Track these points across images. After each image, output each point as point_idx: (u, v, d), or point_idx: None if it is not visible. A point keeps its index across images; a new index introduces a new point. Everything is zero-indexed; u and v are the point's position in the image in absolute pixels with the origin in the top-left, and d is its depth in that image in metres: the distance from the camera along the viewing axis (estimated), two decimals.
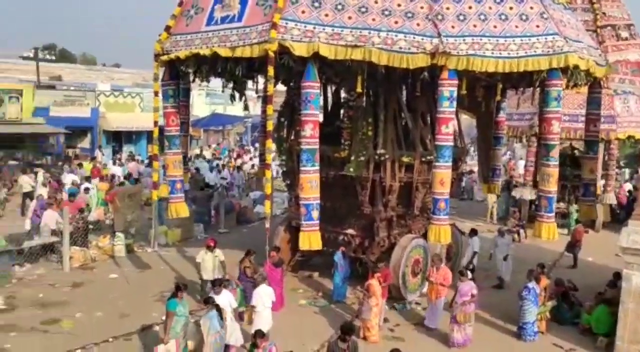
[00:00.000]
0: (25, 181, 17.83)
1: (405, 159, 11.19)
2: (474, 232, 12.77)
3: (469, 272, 9.78)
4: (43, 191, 16.58)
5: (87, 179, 18.44)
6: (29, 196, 16.73)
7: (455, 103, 9.43)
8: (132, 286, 11.63)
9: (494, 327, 10.23)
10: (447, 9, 9.34)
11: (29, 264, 12.31)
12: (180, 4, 10.80)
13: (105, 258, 13.34)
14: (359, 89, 9.86)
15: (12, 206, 18.17)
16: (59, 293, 10.99)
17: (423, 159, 11.23)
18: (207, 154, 29.03)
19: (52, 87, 30.58)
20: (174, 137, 11.34)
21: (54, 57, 55.77)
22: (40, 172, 19.65)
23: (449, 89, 9.22)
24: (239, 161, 25.57)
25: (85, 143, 28.65)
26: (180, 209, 11.36)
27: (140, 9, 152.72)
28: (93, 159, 23.57)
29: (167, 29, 10.74)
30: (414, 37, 9.06)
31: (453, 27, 9.21)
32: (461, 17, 9.29)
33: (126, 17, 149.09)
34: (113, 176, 19.56)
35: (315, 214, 9.38)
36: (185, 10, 10.70)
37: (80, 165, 21.65)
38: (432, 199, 9.83)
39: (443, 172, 9.51)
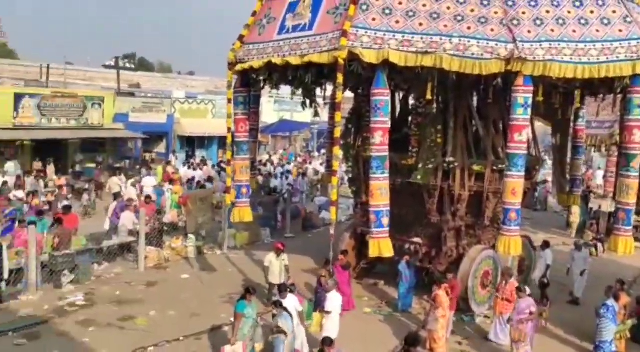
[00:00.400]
0: (115, 183, 18.83)
1: (475, 168, 10.93)
2: (546, 244, 12.23)
3: (527, 288, 9.32)
4: (132, 191, 17.42)
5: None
6: (118, 197, 17.58)
7: (529, 110, 9.12)
8: (202, 286, 12.00)
9: (568, 344, 9.77)
10: (523, 13, 9.07)
11: (107, 262, 12.96)
12: (253, 14, 11.10)
13: (177, 259, 13.84)
14: (428, 96, 9.75)
15: (101, 206, 19.10)
16: (134, 291, 11.50)
17: (494, 168, 10.91)
18: (275, 159, 29.57)
19: (132, 95, 32.19)
20: (243, 143, 11.65)
21: (133, 66, 58.69)
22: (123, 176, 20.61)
23: (523, 95, 8.93)
24: (304, 167, 25.81)
25: (161, 148, 29.94)
26: (245, 213, 11.62)
27: (213, 20, 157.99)
28: (168, 163, 24.53)
29: (241, 38, 11.07)
30: (488, 43, 8.86)
31: (529, 32, 8.93)
32: (538, 22, 9.00)
33: (200, 27, 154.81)
34: (190, 180, 20.19)
35: (385, 221, 9.33)
36: (258, 20, 10.99)
37: (149, 168, 22.60)
38: (502, 209, 9.53)
39: (515, 182, 9.20)
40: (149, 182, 19.09)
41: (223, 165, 23.81)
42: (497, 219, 11.18)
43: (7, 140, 21.99)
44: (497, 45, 8.84)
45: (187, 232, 14.65)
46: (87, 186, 19.81)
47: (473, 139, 11.33)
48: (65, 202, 15.50)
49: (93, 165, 24.58)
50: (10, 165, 20.27)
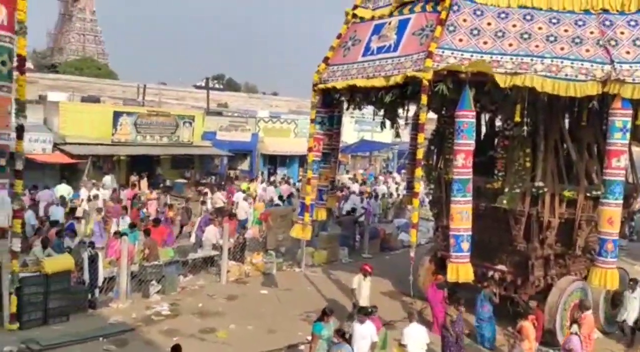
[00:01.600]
0: (219, 198, 19.64)
1: (567, 193, 10.37)
2: (634, 281, 10.80)
3: (575, 326, 8.58)
4: (244, 205, 18.11)
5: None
6: (220, 211, 18.29)
7: (628, 135, 8.59)
8: (280, 303, 12.15)
9: None
10: (622, 33, 8.61)
11: (192, 274, 13.44)
12: (338, 37, 11.29)
13: (257, 274, 14.12)
14: (517, 118, 9.43)
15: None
16: (216, 304, 11.84)
17: (588, 194, 10.29)
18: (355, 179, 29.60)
19: (219, 114, 33.58)
20: (317, 162, 11.78)
21: (221, 86, 61.23)
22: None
23: (622, 119, 8.43)
24: (373, 189, 25.34)
25: (245, 165, 30.89)
26: (303, 230, 11.70)
27: (297, 43, 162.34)
28: (252, 180, 25.20)
29: (326, 60, 11.26)
30: (582, 64, 8.47)
31: (628, 53, 8.45)
32: (638, 43, 8.49)
33: (285, 50, 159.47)
34: (272, 199, 20.60)
35: (465, 245, 9.05)
36: (343, 42, 11.15)
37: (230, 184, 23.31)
38: (598, 239, 8.96)
39: (612, 210, 8.65)
40: (240, 198, 19.66)
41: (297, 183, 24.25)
42: (590, 248, 10.55)
43: (105, 155, 23.57)
44: (592, 66, 8.43)
45: (267, 249, 14.94)
46: (178, 201, 20.76)
47: (564, 163, 10.79)
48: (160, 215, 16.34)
49: (182, 180, 25.77)
50: (108, 179, 21.63)
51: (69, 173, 22.23)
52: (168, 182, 25.54)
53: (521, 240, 10.67)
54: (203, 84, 46.90)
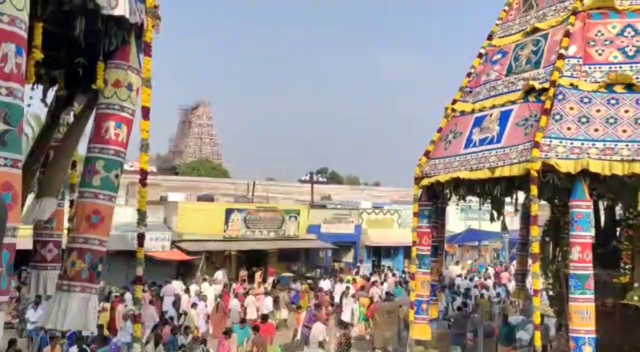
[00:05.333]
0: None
1: None
2: None
3: None
4: (350, 302, 17.85)
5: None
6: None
7: None
8: None
9: None
10: None
11: None
12: (439, 131, 11.38)
13: None
14: (639, 207, 8.73)
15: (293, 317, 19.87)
16: None
17: None
18: (459, 270, 28.18)
19: (323, 207, 34.32)
20: (425, 256, 11.44)
21: (325, 179, 63.12)
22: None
23: None
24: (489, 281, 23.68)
25: (349, 257, 30.82)
26: (424, 331, 11.13)
27: (398, 135, 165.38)
28: (357, 272, 24.99)
29: (427, 153, 11.32)
30: None
31: None
32: None
33: (384, 141, 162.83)
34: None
35: (588, 349, 8.19)
36: (444, 135, 11.21)
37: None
38: None
39: None
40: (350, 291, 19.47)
41: (405, 275, 23.51)
42: None
43: (217, 250, 24.68)
44: None
45: (374, 347, 14.42)
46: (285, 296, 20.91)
47: None
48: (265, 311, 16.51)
49: (289, 273, 26.14)
50: (219, 274, 22.46)
51: (185, 269, 23.41)
52: (276, 276, 25.99)
53: None
54: (307, 178, 48.59)
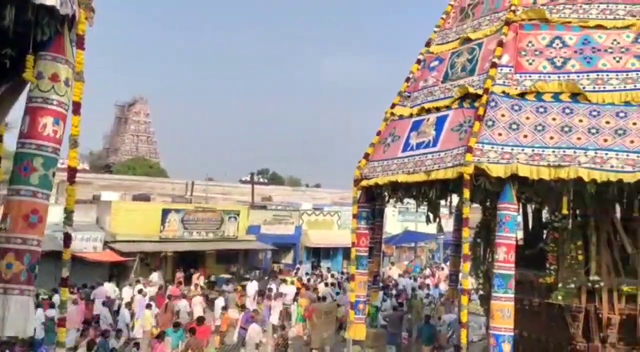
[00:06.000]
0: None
1: (625, 288, 9.80)
2: None
3: None
4: (278, 305, 17.66)
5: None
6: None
7: None
8: None
9: None
10: None
11: None
12: (378, 134, 11.56)
13: None
14: (564, 210, 9.20)
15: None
16: None
17: None
18: (397, 270, 28.86)
19: (264, 207, 34.14)
20: (363, 257, 11.59)
21: (266, 180, 62.83)
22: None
23: None
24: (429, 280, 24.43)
25: (288, 259, 30.83)
26: (359, 331, 11.24)
27: (338, 137, 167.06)
28: (296, 273, 25.02)
29: (366, 156, 11.47)
30: (628, 155, 8.32)
31: None
32: None
33: (325, 143, 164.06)
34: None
35: (506, 347, 8.55)
36: (383, 138, 11.40)
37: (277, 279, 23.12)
38: None
39: None
40: (290, 291, 19.42)
41: (343, 276, 23.77)
42: None
43: (153, 252, 24.03)
44: (638, 156, 8.27)
45: (312, 348, 14.48)
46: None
47: (620, 256, 10.30)
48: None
49: (227, 275, 25.80)
50: (155, 276, 21.90)
51: (118, 271, 22.66)
52: (212, 277, 25.62)
53: (581, 339, 9.99)
54: (248, 179, 48.23)
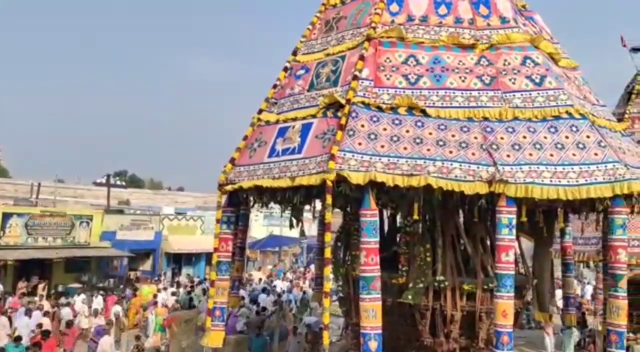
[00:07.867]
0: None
1: (466, 287, 10.81)
2: None
3: None
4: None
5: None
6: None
7: (514, 230, 9.25)
8: None
9: None
10: (502, 138, 9.55)
11: None
12: (244, 138, 11.55)
13: None
14: (415, 216, 9.91)
15: None
16: None
17: (485, 287, 10.78)
18: (260, 275, 28.96)
19: (120, 212, 32.35)
20: (224, 263, 11.48)
21: (124, 183, 59.39)
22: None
23: (507, 216, 9.10)
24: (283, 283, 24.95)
25: (147, 266, 29.50)
26: (217, 338, 11.06)
27: (204, 139, 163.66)
28: (157, 281, 23.98)
29: (232, 160, 11.39)
30: (469, 166, 9.22)
31: (508, 156, 9.34)
32: (516, 147, 9.44)
33: (190, 145, 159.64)
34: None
35: (373, 344, 9.00)
36: (249, 143, 11.41)
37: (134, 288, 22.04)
38: (494, 332, 9.30)
39: (505, 303, 9.06)
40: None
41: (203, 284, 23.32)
42: (492, 340, 10.84)
43: None
44: (478, 168, 9.20)
45: None
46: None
47: (462, 257, 11.34)
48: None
49: (77, 285, 23.98)
50: None
51: None
52: (61, 288, 23.66)
53: (427, 335, 10.82)
54: (104, 181, 45.31)
